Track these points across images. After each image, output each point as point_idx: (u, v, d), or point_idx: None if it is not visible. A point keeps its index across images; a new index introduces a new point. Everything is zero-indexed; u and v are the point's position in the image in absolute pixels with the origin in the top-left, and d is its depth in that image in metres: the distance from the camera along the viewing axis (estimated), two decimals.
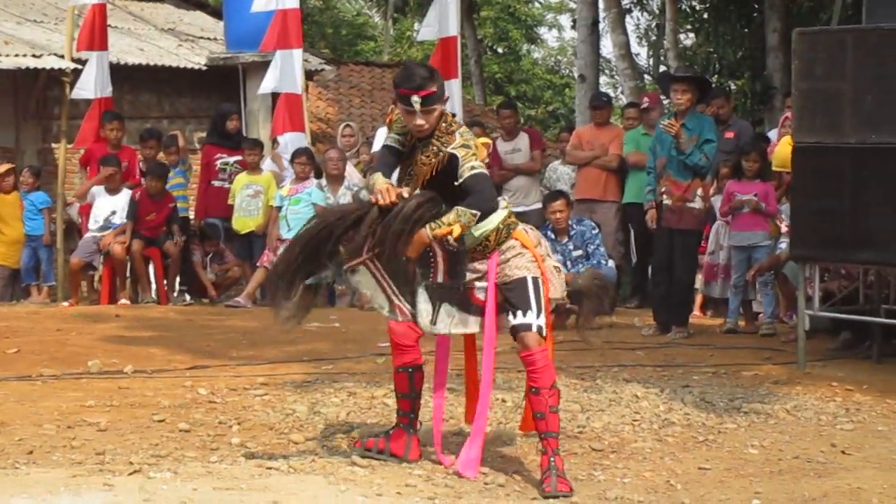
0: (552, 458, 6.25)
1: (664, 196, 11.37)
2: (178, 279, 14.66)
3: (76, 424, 7.20)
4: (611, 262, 12.35)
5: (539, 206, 14.16)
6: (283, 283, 6.29)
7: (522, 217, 14.35)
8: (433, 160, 6.35)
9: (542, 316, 6.38)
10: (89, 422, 7.25)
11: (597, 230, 12.29)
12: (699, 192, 11.34)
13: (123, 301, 13.70)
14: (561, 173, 15.04)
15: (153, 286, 14.38)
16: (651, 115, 13.90)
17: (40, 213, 15.14)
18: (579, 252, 12.07)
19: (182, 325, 11.62)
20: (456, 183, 6.21)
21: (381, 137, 14.99)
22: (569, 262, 12.00)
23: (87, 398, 7.98)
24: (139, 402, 7.90)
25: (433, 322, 6.41)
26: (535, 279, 6.41)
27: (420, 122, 6.29)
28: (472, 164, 6.22)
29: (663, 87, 12.00)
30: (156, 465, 6.19)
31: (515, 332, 6.36)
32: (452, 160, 6.26)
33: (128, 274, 14.14)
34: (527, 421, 6.79)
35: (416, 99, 6.22)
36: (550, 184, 14.92)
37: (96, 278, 14.52)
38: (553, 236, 12.10)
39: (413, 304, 6.41)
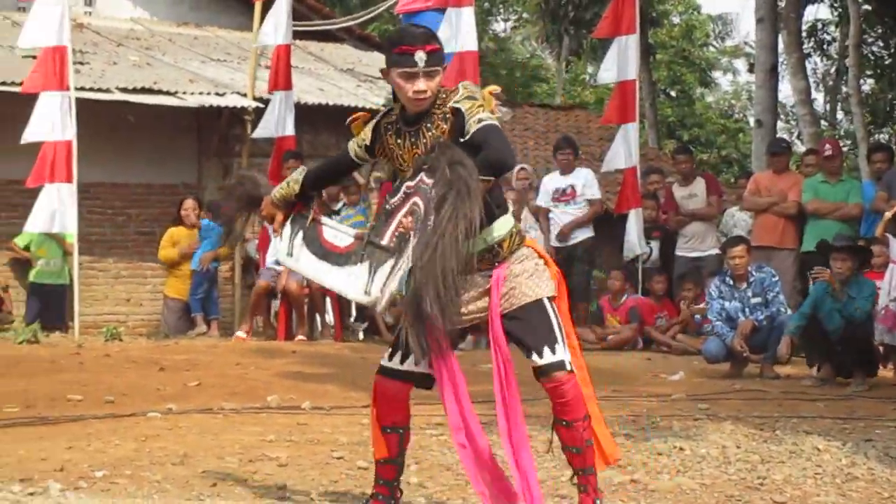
0: (597, 501, 5.52)
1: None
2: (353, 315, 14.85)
3: (257, 459, 7.27)
4: (790, 311, 12.16)
5: (715, 251, 14.10)
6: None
7: (699, 262, 14.52)
8: (444, 125, 5.28)
9: (566, 346, 5.36)
10: (270, 456, 7.31)
11: (777, 277, 12.11)
12: None
13: (300, 337, 13.87)
14: (738, 219, 14.91)
15: (330, 322, 14.56)
16: (833, 163, 13.68)
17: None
18: (758, 299, 11.91)
19: (356, 363, 11.70)
20: (462, 140, 5.14)
21: (547, 186, 15.08)
22: (747, 309, 11.87)
23: (268, 433, 8.07)
24: (318, 439, 7.96)
25: (289, 253, 5.57)
26: (550, 299, 5.39)
27: (422, 86, 5.22)
28: (479, 117, 5.15)
29: (823, 255, 11.90)
30: (336, 501, 6.23)
31: (544, 373, 5.32)
32: (459, 117, 5.21)
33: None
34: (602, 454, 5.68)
35: (420, 55, 5.18)
36: (727, 230, 14.80)
37: (272, 314, 14.75)
38: (732, 282, 11.97)
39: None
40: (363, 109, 5.66)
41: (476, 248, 5.20)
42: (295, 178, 5.63)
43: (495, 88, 5.43)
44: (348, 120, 5.71)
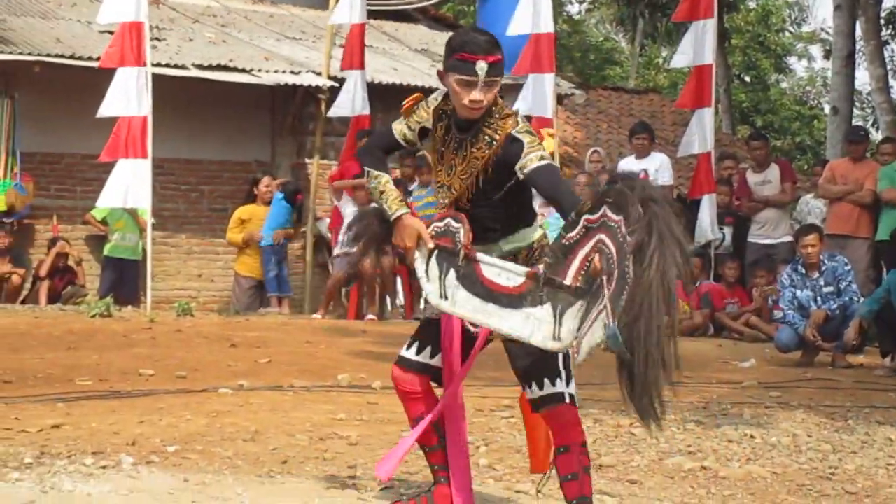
0: None
1: None
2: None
3: (328, 437, 7.30)
4: (863, 300, 12.05)
5: (788, 238, 13.99)
6: None
7: (771, 249, 14.41)
8: (487, 151, 5.01)
9: (573, 383, 5.08)
10: (341, 435, 7.34)
11: (849, 266, 12.01)
12: None
13: (370, 317, 13.91)
14: (812, 207, 14.81)
15: (400, 302, 14.60)
16: None
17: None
18: (830, 288, 11.82)
19: None
20: (521, 176, 4.90)
21: (623, 170, 15.01)
22: (819, 298, 11.78)
23: (338, 411, 8.10)
24: (388, 419, 7.97)
25: (443, 296, 5.01)
26: None
27: (479, 96, 4.93)
28: (540, 153, 4.89)
29: None
30: (405, 482, 6.24)
31: (540, 405, 5.09)
32: (515, 147, 4.93)
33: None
34: (537, 460, 5.50)
35: (482, 65, 4.89)
36: (801, 217, 14.70)
37: (343, 292, 14.81)
38: (804, 271, 11.89)
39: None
40: (436, 90, 5.42)
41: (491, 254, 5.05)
42: (376, 179, 5.24)
43: (553, 133, 5.22)
44: (404, 102, 5.33)
